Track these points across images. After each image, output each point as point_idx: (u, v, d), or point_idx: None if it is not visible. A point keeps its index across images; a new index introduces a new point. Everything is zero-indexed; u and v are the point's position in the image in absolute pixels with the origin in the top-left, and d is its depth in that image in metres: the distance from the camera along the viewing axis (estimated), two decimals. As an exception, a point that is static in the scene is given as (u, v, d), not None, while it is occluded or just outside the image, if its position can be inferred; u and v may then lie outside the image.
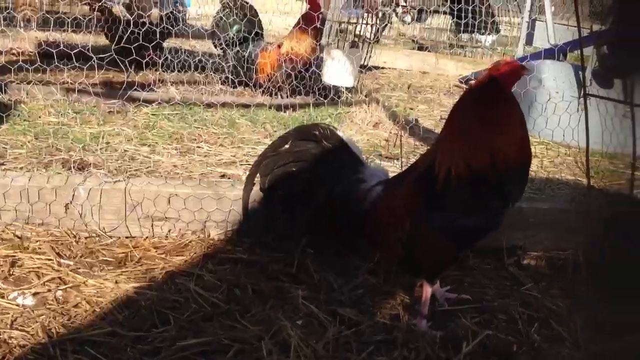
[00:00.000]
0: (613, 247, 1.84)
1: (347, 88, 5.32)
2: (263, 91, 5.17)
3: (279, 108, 4.50)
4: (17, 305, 1.94)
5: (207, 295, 2.09)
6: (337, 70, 5.56)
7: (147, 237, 2.50)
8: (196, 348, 1.82)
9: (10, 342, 1.75)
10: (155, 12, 7.18)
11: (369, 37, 6.50)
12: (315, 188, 2.20)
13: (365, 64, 6.30)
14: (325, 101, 4.47)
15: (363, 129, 4.24)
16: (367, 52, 6.37)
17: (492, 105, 1.98)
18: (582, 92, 3.89)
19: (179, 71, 5.18)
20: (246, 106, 4.34)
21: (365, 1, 6.41)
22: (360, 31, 6.63)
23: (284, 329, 1.92)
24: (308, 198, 2.21)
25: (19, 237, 2.35)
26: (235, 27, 5.38)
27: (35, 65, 3.94)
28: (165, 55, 5.24)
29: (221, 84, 5.30)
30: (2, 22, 4.67)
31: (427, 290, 2.08)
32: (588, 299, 2.23)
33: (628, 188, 2.64)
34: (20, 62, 3.60)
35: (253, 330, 1.92)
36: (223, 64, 5.30)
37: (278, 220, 2.46)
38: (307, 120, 4.29)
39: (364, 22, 6.47)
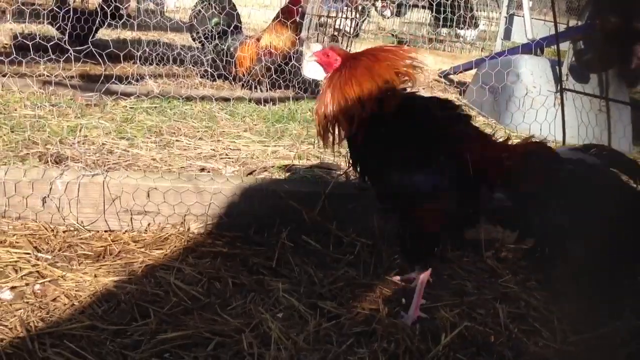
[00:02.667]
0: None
1: (326, 81, 5.31)
2: (243, 85, 5.16)
3: (258, 101, 4.49)
4: (-5, 299, 1.92)
5: (187, 288, 2.09)
6: (317, 63, 5.56)
7: (126, 231, 2.48)
8: (176, 341, 1.82)
9: (-13, 336, 1.74)
10: (133, 3, 7.09)
11: (348, 31, 6.51)
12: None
13: (345, 57, 6.29)
14: (305, 95, 4.47)
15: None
16: (347, 46, 6.38)
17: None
18: (559, 87, 3.95)
19: (157, 64, 5.13)
20: (226, 99, 4.32)
21: (345, -5, 6.41)
22: (340, 25, 6.65)
23: (264, 321, 1.93)
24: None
25: (-6, 232, 2.32)
26: (214, 20, 5.35)
27: (11, 57, 3.88)
28: (143, 48, 5.18)
29: (200, 77, 5.27)
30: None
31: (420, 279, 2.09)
32: (565, 291, 2.27)
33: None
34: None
35: (233, 324, 1.92)
36: (202, 57, 5.26)
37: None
38: (287, 114, 4.30)
39: (344, 16, 6.48)
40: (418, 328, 1.99)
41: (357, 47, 6.30)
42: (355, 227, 2.56)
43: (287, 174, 3.14)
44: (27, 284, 2.02)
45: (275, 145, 3.59)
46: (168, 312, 1.96)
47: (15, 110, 3.65)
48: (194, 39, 5.54)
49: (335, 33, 6.51)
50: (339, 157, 3.47)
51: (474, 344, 1.96)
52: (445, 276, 2.40)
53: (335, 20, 6.56)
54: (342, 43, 6.27)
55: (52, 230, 2.39)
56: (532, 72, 4.52)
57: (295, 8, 5.03)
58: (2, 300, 1.92)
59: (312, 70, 5.49)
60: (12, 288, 1.99)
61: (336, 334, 1.94)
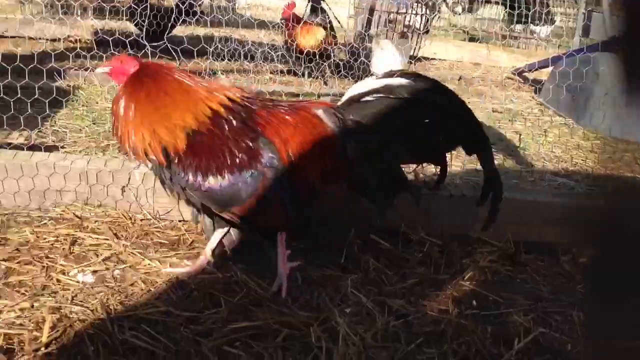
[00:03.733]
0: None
1: (396, 78, 5.27)
2: (311, 80, 5.19)
3: (327, 96, 4.50)
4: (77, 282, 2.01)
5: (257, 280, 2.12)
6: (386, 60, 5.52)
7: (199, 221, 2.54)
8: (247, 331, 1.85)
9: (71, 316, 1.82)
10: (206, 1, 7.24)
11: (418, 27, 6.42)
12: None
13: (415, 54, 6.23)
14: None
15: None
16: (416, 42, 6.30)
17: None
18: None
19: (228, 60, 5.23)
20: (295, 95, 4.35)
21: (416, -9, 6.34)
22: (409, 21, 6.57)
23: (332, 316, 1.94)
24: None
25: (78, 217, 2.42)
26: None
27: (92, 52, 4.04)
28: (215, 44, 5.29)
29: (270, 72, 5.33)
30: (60, 10, 4.81)
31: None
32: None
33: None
34: (78, 49, 3.70)
35: (302, 317, 1.94)
36: (272, 53, 5.33)
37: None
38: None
39: (414, 12, 6.41)
40: (490, 331, 1.95)
41: (426, 44, 6.22)
42: (424, 226, 2.53)
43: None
44: (107, 269, 2.10)
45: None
46: (238, 302, 2.00)
47: (97, 103, 3.81)
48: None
49: (405, 30, 6.44)
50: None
51: (549, 351, 1.89)
52: (518, 280, 2.33)
53: (405, 17, 6.49)
54: (411, 40, 6.21)
55: (130, 219, 2.47)
56: (612, 71, 4.32)
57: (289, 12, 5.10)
58: (85, 283, 2.01)
59: (381, 66, 5.46)
60: (94, 272, 2.08)
61: (405, 333, 1.92)
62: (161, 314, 1.88)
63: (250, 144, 1.92)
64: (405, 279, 2.24)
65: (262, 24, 6.18)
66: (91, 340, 1.71)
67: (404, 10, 6.44)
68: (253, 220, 2.00)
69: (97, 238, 2.29)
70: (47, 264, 2.09)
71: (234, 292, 2.04)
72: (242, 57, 5.22)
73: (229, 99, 1.97)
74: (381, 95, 2.05)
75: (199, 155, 1.89)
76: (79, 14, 6.34)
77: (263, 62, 5.40)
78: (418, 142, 2.10)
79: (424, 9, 6.56)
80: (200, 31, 6.33)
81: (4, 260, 2.09)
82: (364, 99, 2.07)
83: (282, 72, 5.27)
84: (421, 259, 2.38)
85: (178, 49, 3.70)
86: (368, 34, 6.40)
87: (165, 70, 1.98)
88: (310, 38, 5.31)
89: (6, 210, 2.44)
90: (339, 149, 2.03)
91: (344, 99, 2.11)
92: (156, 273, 2.11)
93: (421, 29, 6.42)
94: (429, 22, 6.83)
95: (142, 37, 4.18)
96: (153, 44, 3.88)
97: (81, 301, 1.90)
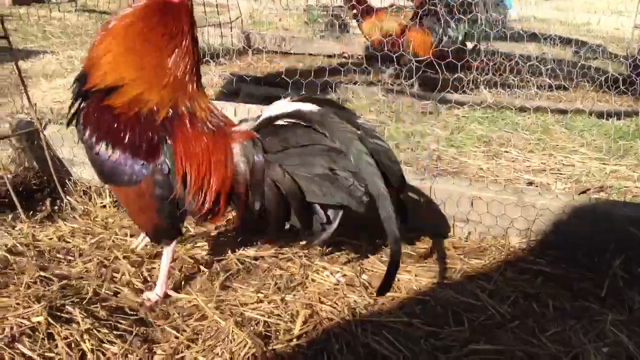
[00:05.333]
0: None
1: (687, 95, 4.61)
2: (583, 96, 4.80)
3: (600, 115, 4.12)
4: (330, 282, 2.16)
5: (502, 304, 2.04)
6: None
7: (448, 236, 2.54)
8: (488, 355, 1.79)
9: (321, 313, 1.97)
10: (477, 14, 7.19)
11: None
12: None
13: None
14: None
15: None
16: None
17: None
18: None
19: (493, 74, 5.12)
20: (563, 112, 4.08)
21: None
22: None
23: (586, 354, 1.78)
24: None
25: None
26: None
27: (361, 67, 4.32)
28: (481, 57, 5.22)
29: (537, 87, 5.07)
30: (337, 30, 5.24)
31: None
32: None
33: None
34: (349, 65, 3.97)
35: (550, 349, 1.82)
36: (541, 66, 5.07)
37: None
38: (633, 130, 3.85)
39: None
40: None
41: None
42: None
43: (628, 197, 2.82)
44: (356, 274, 2.22)
45: (615, 164, 3.25)
46: (482, 323, 1.95)
47: (361, 115, 4.05)
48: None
49: None
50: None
51: None
52: None
53: None
54: None
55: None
56: None
57: None
58: (336, 283, 2.15)
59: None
60: (344, 275, 2.21)
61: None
62: (403, 323, 1.93)
63: (155, 140, 1.89)
64: (677, 325, 1.95)
65: (532, 37, 5.93)
66: (336, 338, 1.83)
67: None
68: (129, 210, 2.05)
69: (350, 242, 2.42)
70: (304, 262, 2.29)
71: (478, 312, 2.00)
72: (507, 71, 5.07)
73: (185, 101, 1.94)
74: (292, 120, 1.90)
75: (107, 119, 1.90)
76: (353, 32, 6.83)
77: (530, 76, 5.16)
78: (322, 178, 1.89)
79: None
80: (468, 44, 6.33)
81: (270, 257, 2.34)
82: (276, 123, 1.92)
83: (550, 87, 4.97)
84: None
85: (442, 63, 3.74)
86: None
87: (182, 23, 1.92)
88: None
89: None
90: (242, 176, 1.92)
91: (260, 119, 1.96)
92: (400, 283, 2.17)
93: None
94: None
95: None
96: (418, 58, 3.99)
97: (330, 301, 2.04)
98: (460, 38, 4.96)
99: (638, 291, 2.12)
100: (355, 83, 4.63)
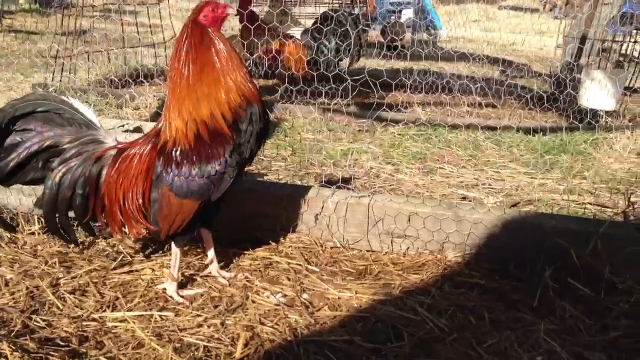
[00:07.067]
0: None
1: (607, 112, 4.89)
2: (511, 113, 5.00)
3: (527, 131, 4.30)
4: (270, 303, 2.14)
5: (441, 317, 2.08)
6: (597, 92, 5.13)
7: (386, 252, 2.57)
8: (427, 369, 1.81)
9: (262, 335, 1.94)
10: (407, 36, 7.42)
11: (637, 56, 5.91)
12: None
13: (631, 85, 5.72)
14: (580, 125, 4.15)
15: (624, 157, 3.84)
16: (633, 72, 5.79)
17: (199, 54, 2.00)
18: None
19: (426, 92, 5.27)
20: (492, 128, 4.23)
21: (635, 18, 5.83)
22: (626, 50, 6.08)
23: (521, 364, 1.82)
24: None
25: (275, 242, 2.59)
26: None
27: (298, 86, 4.35)
28: (414, 77, 5.37)
29: (467, 105, 5.25)
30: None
31: (175, 253, 2.19)
32: None
33: None
34: (286, 84, 3.99)
35: (487, 360, 1.86)
36: (471, 85, 5.25)
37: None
38: (558, 145, 4.03)
39: (632, 40, 5.91)
40: None
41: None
42: (633, 273, 2.27)
43: (555, 209, 2.94)
44: (297, 293, 2.21)
45: (542, 178, 3.39)
46: (422, 337, 1.97)
47: (299, 134, 4.07)
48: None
49: (621, 59, 5.95)
50: (616, 195, 3.15)
51: None
52: None
53: (622, 45, 6.00)
54: (627, 69, 5.70)
55: (321, 246, 2.59)
56: None
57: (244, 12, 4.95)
58: (276, 304, 2.13)
59: (590, 99, 5.09)
60: (284, 295, 2.20)
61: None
62: (344, 342, 1.93)
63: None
64: (606, 331, 2.03)
65: (462, 57, 6.14)
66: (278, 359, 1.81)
67: (620, 38, 5.97)
68: (177, 218, 2.13)
69: (290, 262, 2.42)
70: (245, 283, 2.26)
71: (418, 327, 2.03)
72: (439, 90, 5.23)
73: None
74: None
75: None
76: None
77: (461, 94, 5.34)
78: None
79: (643, 35, 6.03)
80: (400, 64, 6.50)
81: (206, 276, 2.31)
82: None
83: (480, 104, 5.16)
84: (627, 310, 2.14)
85: (377, 82, 3.81)
86: (577, 64, 6.01)
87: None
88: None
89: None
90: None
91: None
92: (341, 301, 2.17)
93: None
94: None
95: (344, 72, 4.39)
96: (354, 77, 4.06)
97: (271, 322, 2.02)
98: (332, 52, 5.13)
99: (568, 301, 2.19)
100: (292, 102, 4.65)
